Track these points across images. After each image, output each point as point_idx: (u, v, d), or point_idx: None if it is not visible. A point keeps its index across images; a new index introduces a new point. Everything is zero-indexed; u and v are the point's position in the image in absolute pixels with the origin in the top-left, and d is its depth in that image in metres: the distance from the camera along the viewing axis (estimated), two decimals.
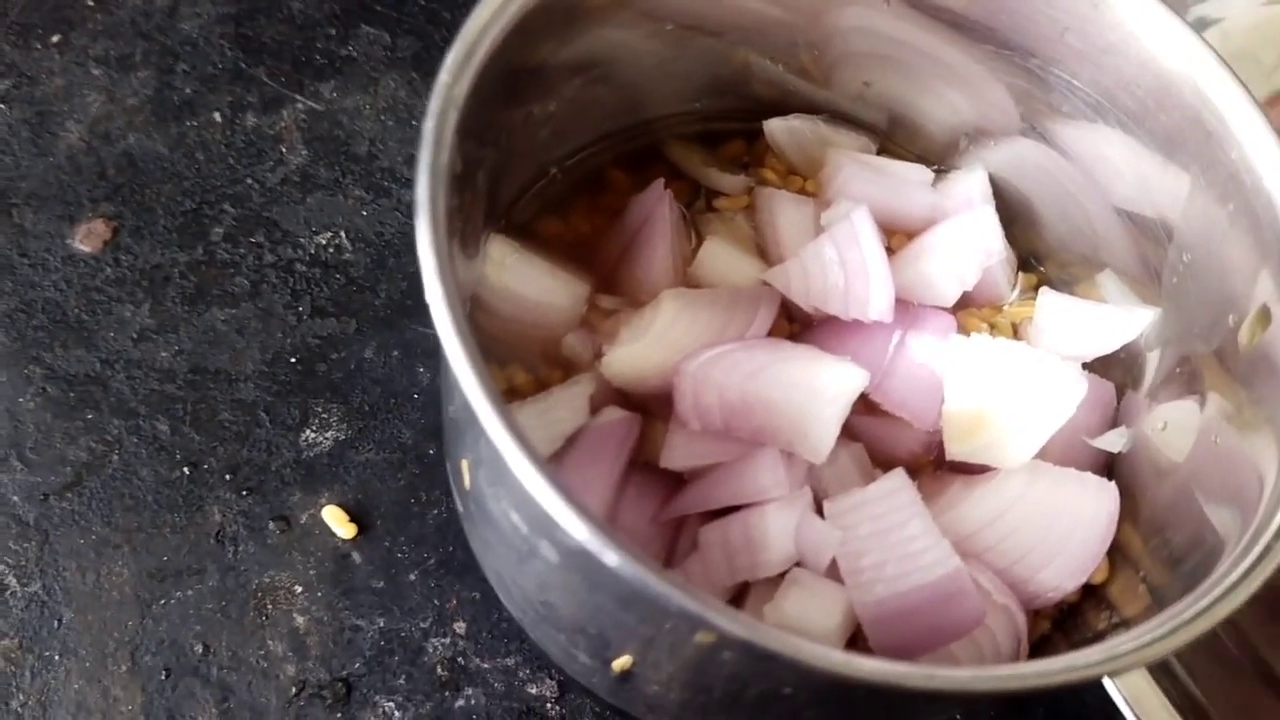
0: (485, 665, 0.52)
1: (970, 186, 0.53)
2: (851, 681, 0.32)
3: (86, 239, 0.58)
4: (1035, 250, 0.55)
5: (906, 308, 0.50)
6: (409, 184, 0.60)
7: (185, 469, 0.54)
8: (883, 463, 0.48)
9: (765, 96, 0.54)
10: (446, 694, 0.51)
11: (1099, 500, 0.47)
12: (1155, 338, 0.49)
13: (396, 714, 0.50)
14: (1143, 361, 0.50)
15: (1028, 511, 0.46)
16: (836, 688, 0.35)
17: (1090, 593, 0.47)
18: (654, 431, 0.47)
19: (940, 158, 0.55)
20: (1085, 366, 0.50)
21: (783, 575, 0.44)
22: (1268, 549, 0.36)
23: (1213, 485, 0.43)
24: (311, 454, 0.55)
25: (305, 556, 0.53)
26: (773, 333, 0.49)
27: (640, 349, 0.47)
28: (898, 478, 0.45)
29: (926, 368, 0.48)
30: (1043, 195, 0.53)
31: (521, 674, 0.52)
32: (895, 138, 0.56)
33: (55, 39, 0.64)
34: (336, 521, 0.53)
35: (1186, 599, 0.36)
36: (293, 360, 0.57)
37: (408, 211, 0.61)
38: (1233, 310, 0.43)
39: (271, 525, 0.53)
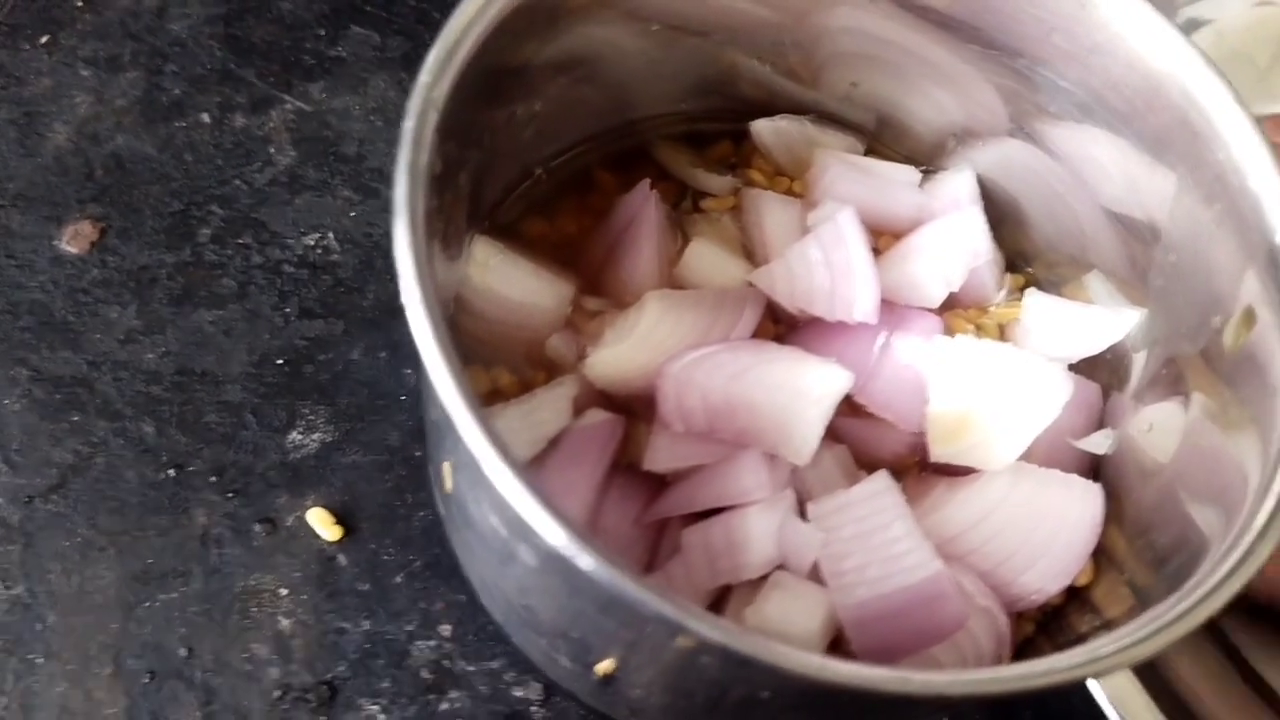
0: (470, 668, 0.52)
1: (958, 187, 0.53)
2: (827, 686, 0.32)
3: (73, 240, 0.58)
4: (1023, 251, 0.54)
5: (892, 309, 0.50)
6: None
7: (171, 471, 0.54)
8: (867, 465, 0.48)
9: (752, 97, 0.54)
10: (431, 697, 0.51)
11: (1084, 502, 0.46)
12: (1141, 339, 0.49)
13: (381, 717, 0.50)
14: (1128, 363, 0.49)
15: (1012, 514, 0.45)
16: (815, 692, 0.35)
17: (1074, 595, 0.47)
18: (637, 433, 0.47)
19: (928, 158, 0.55)
20: (1071, 368, 0.50)
21: (765, 578, 0.44)
22: (1250, 550, 0.36)
23: (1198, 486, 0.43)
24: (298, 456, 0.55)
25: (290, 559, 0.53)
26: (758, 334, 0.49)
27: (624, 350, 0.47)
28: (881, 480, 0.45)
29: (911, 369, 0.48)
30: (1030, 196, 0.53)
31: (507, 677, 0.51)
32: (883, 138, 0.56)
33: (44, 39, 0.63)
34: (322, 524, 0.53)
35: (1169, 600, 0.36)
36: (279, 362, 0.57)
37: None
38: (1218, 311, 0.43)
39: (257, 527, 0.53)
